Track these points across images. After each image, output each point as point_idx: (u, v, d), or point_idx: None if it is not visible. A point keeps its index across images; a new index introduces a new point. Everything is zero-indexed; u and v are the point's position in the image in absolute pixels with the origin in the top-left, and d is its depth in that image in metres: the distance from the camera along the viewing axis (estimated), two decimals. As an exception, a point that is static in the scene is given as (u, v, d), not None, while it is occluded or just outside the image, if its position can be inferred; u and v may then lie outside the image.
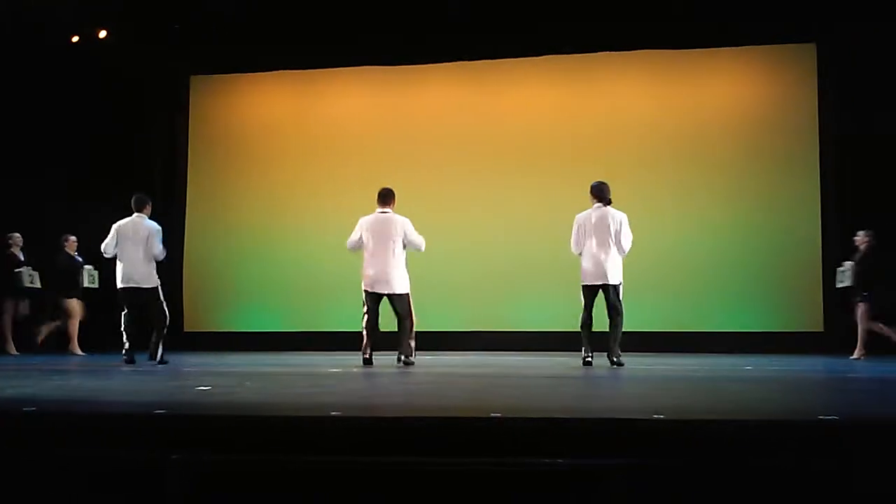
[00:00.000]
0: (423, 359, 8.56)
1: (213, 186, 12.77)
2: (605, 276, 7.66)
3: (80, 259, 10.58)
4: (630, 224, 7.84)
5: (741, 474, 2.96)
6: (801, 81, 11.72)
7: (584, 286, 7.77)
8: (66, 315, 10.54)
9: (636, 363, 7.84)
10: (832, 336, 10.46)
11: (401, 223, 8.01)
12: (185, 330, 11.77)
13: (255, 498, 3.10)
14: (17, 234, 10.66)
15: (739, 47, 11.95)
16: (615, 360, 7.57)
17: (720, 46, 11.97)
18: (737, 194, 11.66)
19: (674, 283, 10.94)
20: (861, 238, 9.74)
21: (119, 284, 8.19)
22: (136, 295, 8.12)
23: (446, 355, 10.19)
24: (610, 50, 12.08)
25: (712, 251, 10.99)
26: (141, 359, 7.99)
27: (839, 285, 9.83)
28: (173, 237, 12.76)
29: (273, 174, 12.38)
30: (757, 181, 11.66)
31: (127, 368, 7.44)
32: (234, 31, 11.79)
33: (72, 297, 10.52)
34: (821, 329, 10.83)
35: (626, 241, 7.73)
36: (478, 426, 3.31)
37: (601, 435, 3.17)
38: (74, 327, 10.53)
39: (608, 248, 7.67)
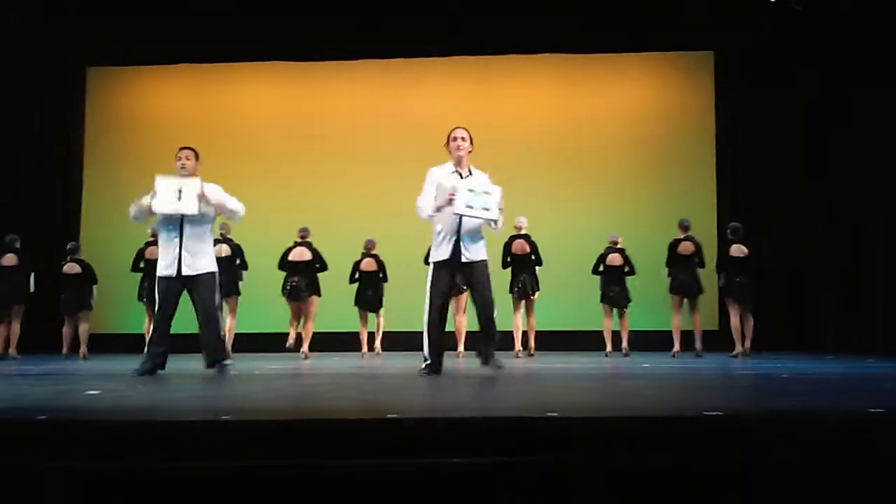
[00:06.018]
0: (318, 360, 8.47)
1: (110, 180, 12.41)
2: None
3: None
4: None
5: (634, 470, 3.01)
6: (699, 86, 12.15)
7: None
8: None
9: (535, 362, 7.88)
10: (727, 334, 10.80)
11: None
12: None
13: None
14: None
15: (642, 53, 12.31)
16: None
17: (624, 52, 12.29)
18: (637, 194, 12.01)
19: (576, 282, 11.11)
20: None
21: None
22: None
23: (340, 356, 10.15)
24: (516, 53, 12.25)
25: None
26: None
27: None
28: (70, 231, 12.34)
29: (171, 168, 12.04)
30: (655, 182, 12.03)
31: (14, 372, 7.18)
32: (132, 24, 11.52)
33: None
34: (716, 327, 11.18)
35: None
36: (373, 428, 3.28)
37: (495, 433, 3.18)
38: None
39: None
